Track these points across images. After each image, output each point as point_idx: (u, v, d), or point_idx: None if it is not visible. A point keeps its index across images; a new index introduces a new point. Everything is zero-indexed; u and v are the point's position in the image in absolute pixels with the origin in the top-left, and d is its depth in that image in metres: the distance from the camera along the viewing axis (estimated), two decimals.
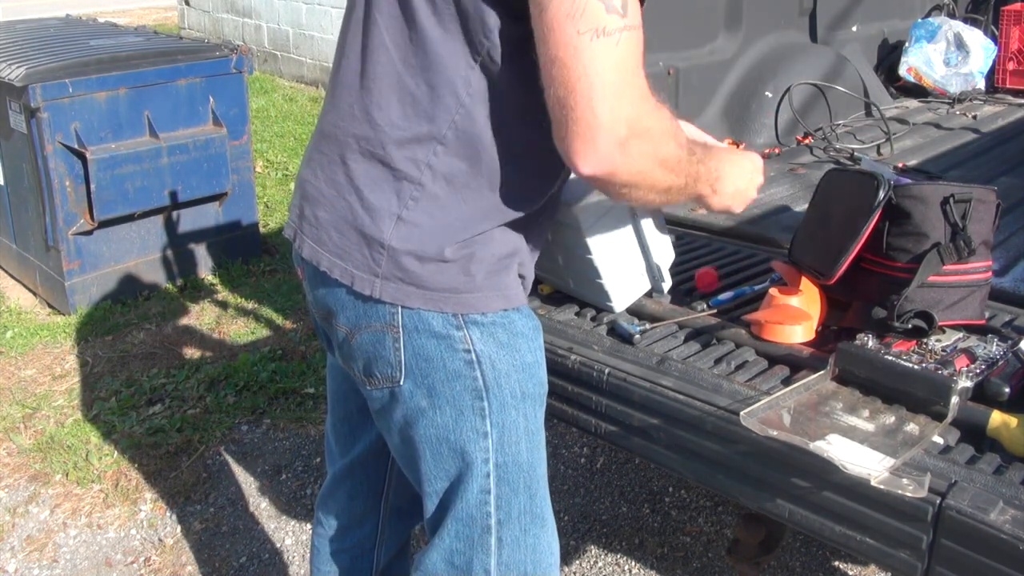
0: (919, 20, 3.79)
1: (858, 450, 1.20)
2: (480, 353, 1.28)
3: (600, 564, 2.49)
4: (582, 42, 1.07)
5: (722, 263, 1.94)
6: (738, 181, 1.38)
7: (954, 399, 1.27)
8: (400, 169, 1.22)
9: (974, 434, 1.28)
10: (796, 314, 1.53)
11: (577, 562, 2.50)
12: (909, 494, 1.12)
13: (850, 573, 2.44)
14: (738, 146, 2.80)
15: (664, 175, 1.19)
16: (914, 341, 1.42)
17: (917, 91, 3.69)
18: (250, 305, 4.05)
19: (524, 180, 1.26)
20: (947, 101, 3.55)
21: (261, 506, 2.74)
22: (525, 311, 1.35)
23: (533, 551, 1.37)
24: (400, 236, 1.23)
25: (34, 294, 4.20)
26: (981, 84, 3.68)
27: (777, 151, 2.82)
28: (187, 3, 10.21)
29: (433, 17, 1.18)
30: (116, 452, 2.97)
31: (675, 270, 1.75)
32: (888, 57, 3.82)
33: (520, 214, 1.28)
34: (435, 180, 1.22)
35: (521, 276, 1.35)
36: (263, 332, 3.80)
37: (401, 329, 1.27)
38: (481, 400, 1.29)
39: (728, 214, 1.45)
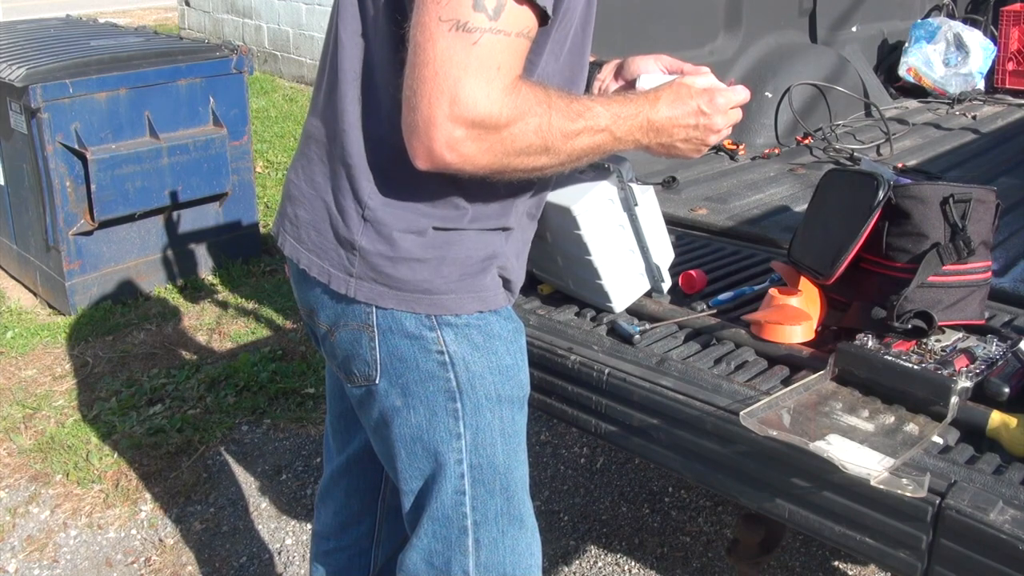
0: (919, 20, 3.80)
1: (858, 450, 1.20)
2: (454, 355, 1.28)
3: (600, 564, 2.49)
4: (440, 30, 1.06)
5: (722, 263, 1.95)
6: (669, 136, 1.28)
7: (954, 399, 1.27)
8: (359, 170, 1.24)
9: (974, 434, 1.29)
10: (796, 314, 1.53)
11: (577, 562, 2.50)
12: (909, 494, 1.12)
13: (850, 573, 2.44)
14: (737, 147, 2.81)
15: (526, 161, 1.15)
16: (914, 341, 1.42)
17: (917, 91, 3.69)
18: (250, 305, 4.05)
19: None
20: (947, 101, 3.56)
21: (261, 506, 2.74)
22: (505, 313, 1.34)
23: (512, 552, 1.37)
24: (369, 236, 1.25)
25: (34, 294, 4.20)
26: (980, 84, 3.68)
27: (777, 151, 2.83)
28: (187, 3, 10.21)
29: (377, 19, 1.20)
30: (116, 452, 2.97)
31: (675, 270, 1.75)
32: (888, 57, 3.82)
33: (479, 204, 1.26)
34: (387, 179, 1.23)
35: (505, 279, 1.34)
36: (263, 332, 3.80)
37: (376, 329, 1.28)
38: (454, 401, 1.30)
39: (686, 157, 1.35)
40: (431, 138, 1.08)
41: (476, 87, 1.06)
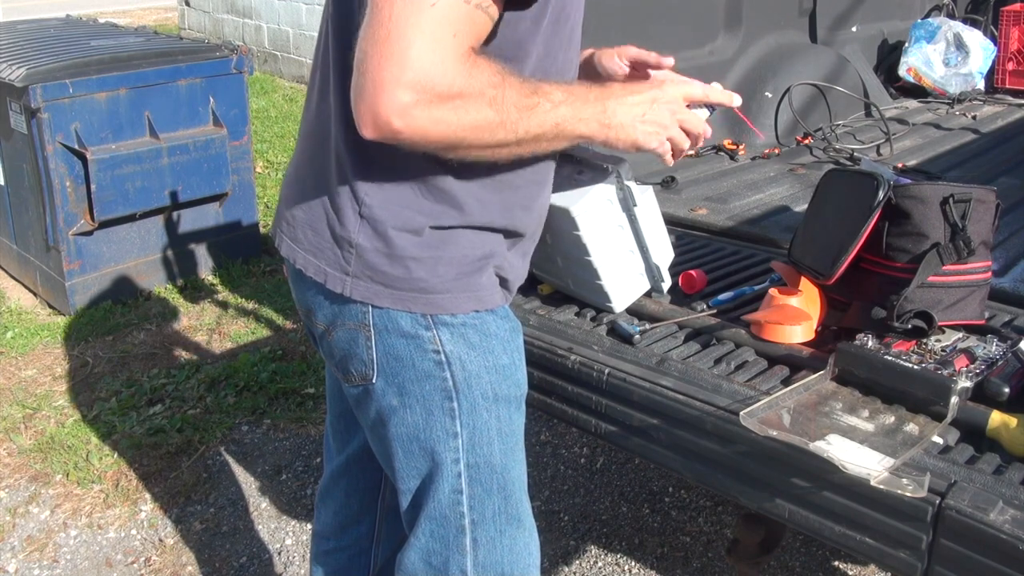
0: (919, 20, 3.80)
1: (858, 450, 1.20)
2: (450, 354, 1.28)
3: (600, 564, 2.49)
4: None
5: (722, 263, 1.95)
6: (626, 114, 1.24)
7: (954, 399, 1.27)
8: (356, 167, 1.23)
9: (974, 434, 1.29)
10: (796, 314, 1.53)
11: (577, 562, 2.50)
12: (909, 494, 1.12)
13: (850, 573, 2.44)
14: (738, 147, 2.81)
15: (480, 136, 1.11)
16: (914, 341, 1.42)
17: (917, 91, 3.69)
18: (250, 305, 4.05)
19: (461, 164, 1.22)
20: (947, 101, 3.56)
21: (261, 506, 2.74)
22: (502, 312, 1.34)
23: (510, 552, 1.37)
24: (366, 234, 1.24)
25: (34, 294, 4.20)
26: (980, 84, 3.68)
27: (777, 151, 2.83)
28: (187, 3, 10.21)
29: (360, 11, 1.17)
30: (116, 452, 2.97)
31: (675, 270, 1.75)
32: (888, 57, 3.82)
33: (477, 198, 1.25)
34: (385, 176, 1.23)
35: (503, 279, 1.34)
36: (263, 332, 3.80)
37: (372, 328, 1.27)
38: (451, 400, 1.30)
39: (638, 149, 1.28)
40: (378, 102, 1.04)
41: (430, 51, 1.03)
